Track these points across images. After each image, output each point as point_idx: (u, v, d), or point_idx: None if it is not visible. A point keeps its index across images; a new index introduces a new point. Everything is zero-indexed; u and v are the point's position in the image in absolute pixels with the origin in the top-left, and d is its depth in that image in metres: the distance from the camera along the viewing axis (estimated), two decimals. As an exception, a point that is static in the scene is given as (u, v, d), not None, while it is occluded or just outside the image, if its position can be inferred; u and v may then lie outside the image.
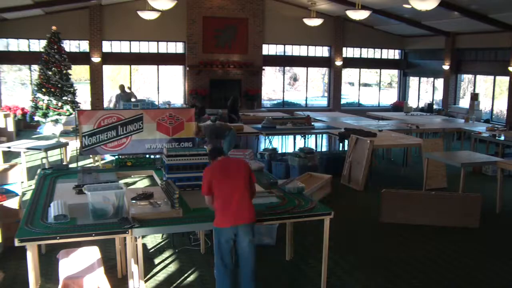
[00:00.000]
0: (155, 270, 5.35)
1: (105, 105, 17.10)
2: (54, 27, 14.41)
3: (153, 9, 13.45)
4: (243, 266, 4.39)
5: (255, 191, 4.57)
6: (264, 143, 12.88)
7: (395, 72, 21.17)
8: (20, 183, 7.24)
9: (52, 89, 14.29)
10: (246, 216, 4.29)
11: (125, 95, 13.78)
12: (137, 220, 4.20)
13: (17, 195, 6.39)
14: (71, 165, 8.28)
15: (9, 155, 10.26)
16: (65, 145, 9.64)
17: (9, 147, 9.06)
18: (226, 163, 4.47)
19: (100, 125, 7.25)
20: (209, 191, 4.33)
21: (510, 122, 14.11)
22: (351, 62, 19.74)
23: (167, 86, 18.08)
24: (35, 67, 15.33)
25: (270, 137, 12.38)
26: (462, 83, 18.31)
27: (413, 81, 20.84)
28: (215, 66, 17.16)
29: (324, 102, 20.05)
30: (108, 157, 11.09)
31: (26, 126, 15.31)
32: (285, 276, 5.28)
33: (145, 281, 5.00)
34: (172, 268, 5.43)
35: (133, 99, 13.70)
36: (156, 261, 5.60)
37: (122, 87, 14.22)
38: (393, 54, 20.61)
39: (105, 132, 7.30)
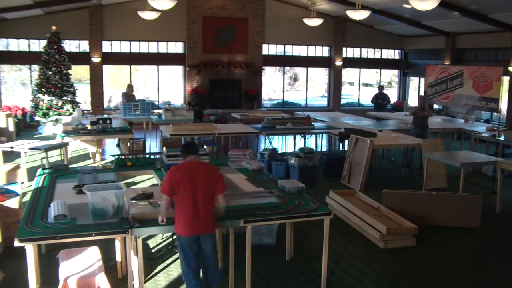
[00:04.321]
0: (155, 270, 5.36)
1: (105, 105, 17.10)
2: (54, 27, 14.41)
3: (153, 9, 13.45)
4: (206, 270, 4.41)
5: (221, 202, 4.37)
6: (264, 143, 12.88)
7: (395, 72, 21.17)
8: (20, 183, 7.24)
9: (52, 89, 14.30)
10: (208, 226, 4.25)
11: (129, 95, 13.45)
12: (137, 220, 4.20)
13: (17, 195, 6.38)
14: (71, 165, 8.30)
15: (9, 155, 10.26)
16: (65, 145, 9.64)
17: (11, 147, 9.07)
18: (195, 168, 4.27)
19: (438, 78, 8.09)
20: (171, 193, 4.15)
21: (510, 122, 14.10)
22: (351, 62, 19.73)
23: (167, 86, 18.08)
24: (35, 67, 15.33)
25: (270, 137, 12.37)
26: (462, 83, 18.31)
27: (413, 81, 20.84)
28: (215, 66, 17.15)
29: (324, 102, 20.05)
30: (108, 157, 11.11)
31: (26, 126, 15.31)
32: (285, 276, 5.28)
33: (145, 281, 5.01)
34: (172, 268, 5.43)
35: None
36: (156, 261, 5.60)
37: (130, 87, 13.73)
38: (393, 54, 20.61)
39: (440, 85, 8.55)
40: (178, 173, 4.21)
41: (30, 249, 3.90)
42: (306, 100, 19.72)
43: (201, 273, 4.44)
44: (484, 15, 13.93)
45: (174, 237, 6.18)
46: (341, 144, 11.00)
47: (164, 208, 4.20)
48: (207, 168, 4.39)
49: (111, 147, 12.66)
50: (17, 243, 3.82)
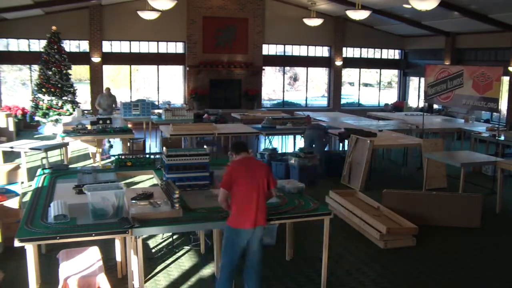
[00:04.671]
0: (155, 270, 5.36)
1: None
2: (54, 27, 14.42)
3: (153, 9, 13.45)
4: (251, 265, 4.41)
5: (273, 195, 4.57)
6: (264, 143, 12.88)
7: (395, 72, 21.18)
8: (20, 183, 7.25)
9: (52, 89, 14.31)
10: (264, 218, 4.33)
11: (107, 97, 13.49)
12: (137, 220, 4.20)
13: (17, 195, 6.38)
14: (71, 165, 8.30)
15: (9, 155, 10.25)
16: (65, 145, 9.65)
17: (11, 147, 9.08)
18: (250, 162, 4.42)
19: (438, 78, 8.46)
20: (229, 187, 4.25)
21: (510, 122, 14.10)
22: (351, 62, 19.74)
23: (167, 86, 18.08)
24: (35, 67, 15.34)
25: (270, 137, 12.37)
26: (462, 83, 18.29)
27: (413, 81, 20.84)
28: (215, 66, 17.16)
29: (324, 102, 20.05)
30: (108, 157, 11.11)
31: (26, 126, 15.31)
32: (285, 276, 5.28)
33: (145, 281, 5.01)
34: (172, 268, 5.43)
35: (114, 105, 13.51)
36: (156, 261, 5.60)
37: (107, 90, 13.83)
38: (393, 54, 20.62)
39: (440, 85, 8.67)
40: (236, 168, 4.33)
41: (30, 249, 3.90)
42: (306, 100, 19.72)
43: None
44: (484, 15, 13.93)
45: (175, 237, 6.19)
46: (341, 144, 11.00)
47: (223, 201, 4.31)
48: (259, 162, 4.61)
49: (116, 147, 12.58)
50: (17, 243, 3.82)
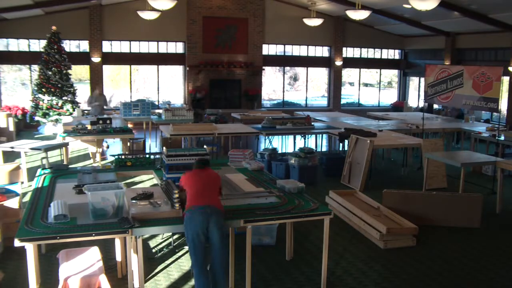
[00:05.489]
0: (155, 270, 5.36)
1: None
2: (54, 27, 14.42)
3: (153, 9, 13.46)
4: (214, 261, 4.39)
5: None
6: (264, 143, 12.88)
7: (395, 72, 21.17)
8: (20, 183, 7.24)
9: (52, 89, 14.32)
10: (216, 202, 4.38)
11: (97, 98, 13.63)
12: (137, 220, 4.20)
13: (17, 195, 6.38)
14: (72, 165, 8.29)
15: (9, 155, 10.25)
16: (65, 145, 9.65)
17: (12, 147, 9.07)
18: (204, 170, 4.63)
19: (438, 78, 8.62)
20: (182, 188, 4.52)
21: (510, 122, 14.10)
22: (351, 62, 19.74)
23: (167, 86, 18.09)
24: (35, 67, 15.34)
25: (270, 137, 12.38)
26: (462, 83, 18.29)
27: (413, 81, 20.85)
28: (215, 66, 17.16)
29: (324, 102, 20.05)
30: (109, 157, 11.12)
31: (26, 126, 15.31)
32: (285, 276, 5.28)
33: (145, 281, 5.01)
34: (172, 268, 5.43)
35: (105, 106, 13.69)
36: (156, 261, 5.60)
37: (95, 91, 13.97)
38: (393, 54, 20.62)
39: (440, 85, 8.84)
40: (187, 174, 4.60)
41: (30, 249, 3.90)
42: (306, 100, 19.72)
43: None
44: (484, 15, 13.93)
45: (175, 237, 6.19)
46: (341, 144, 11.00)
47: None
48: (213, 172, 4.75)
49: (112, 147, 12.62)
50: (17, 243, 3.82)
